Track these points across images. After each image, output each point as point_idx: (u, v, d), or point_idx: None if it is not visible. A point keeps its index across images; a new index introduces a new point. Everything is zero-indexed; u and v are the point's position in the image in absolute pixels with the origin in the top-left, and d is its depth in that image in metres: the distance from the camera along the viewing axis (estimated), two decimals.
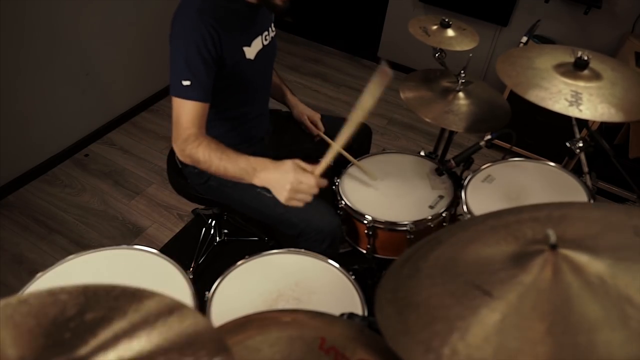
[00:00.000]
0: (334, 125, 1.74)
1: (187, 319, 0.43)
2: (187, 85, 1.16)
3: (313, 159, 1.79)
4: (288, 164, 1.12)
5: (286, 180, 1.09)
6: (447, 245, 0.64)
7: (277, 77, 1.67)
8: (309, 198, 1.12)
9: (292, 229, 1.39)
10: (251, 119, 1.49)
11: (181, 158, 1.21)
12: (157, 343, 0.40)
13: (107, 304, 0.43)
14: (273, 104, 1.63)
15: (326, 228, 1.35)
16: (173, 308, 0.44)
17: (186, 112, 1.18)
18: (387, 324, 0.52)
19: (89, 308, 0.42)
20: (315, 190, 1.11)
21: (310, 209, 1.36)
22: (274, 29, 1.44)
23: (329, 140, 1.60)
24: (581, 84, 1.11)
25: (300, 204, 1.12)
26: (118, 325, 0.40)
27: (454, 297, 0.52)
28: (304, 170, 1.11)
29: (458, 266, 0.58)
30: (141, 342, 0.40)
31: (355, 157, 1.59)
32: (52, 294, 0.43)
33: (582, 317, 0.45)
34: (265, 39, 1.37)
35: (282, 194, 1.11)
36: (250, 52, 1.31)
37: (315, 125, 1.64)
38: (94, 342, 0.39)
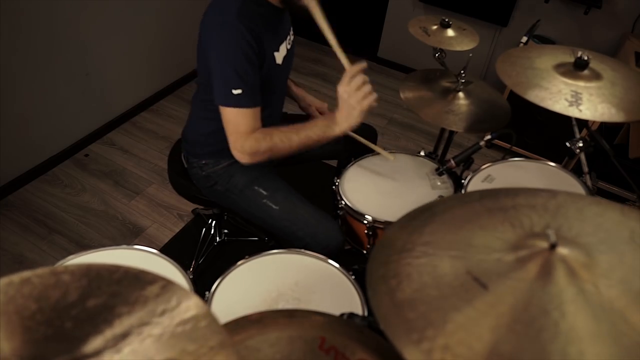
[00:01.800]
0: None
1: (187, 302, 0.43)
2: (239, 94, 1.17)
3: (319, 162, 1.79)
4: (340, 93, 1.19)
5: (351, 107, 1.17)
6: (442, 221, 0.63)
7: None
8: (369, 96, 1.18)
9: (297, 242, 1.39)
10: (267, 122, 1.49)
11: (252, 161, 1.25)
12: (158, 334, 0.40)
13: (109, 289, 0.42)
14: None
15: (331, 244, 1.36)
16: (174, 293, 0.43)
17: (244, 120, 1.20)
18: (379, 304, 0.51)
19: (91, 293, 0.41)
20: (368, 85, 1.17)
21: (315, 224, 1.37)
22: (292, 32, 1.44)
23: None
24: (581, 84, 1.11)
25: (372, 103, 1.18)
26: (119, 319, 0.40)
27: (449, 286, 0.51)
28: (344, 84, 1.17)
29: (453, 248, 0.57)
30: (142, 337, 0.39)
31: (357, 157, 1.59)
32: (55, 274, 0.42)
33: (573, 327, 0.45)
34: (289, 44, 1.38)
35: (359, 117, 1.19)
36: (279, 57, 1.32)
37: (323, 114, 1.64)
38: (95, 336, 0.38)
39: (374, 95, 1.17)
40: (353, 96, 1.15)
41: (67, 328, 0.38)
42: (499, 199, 0.64)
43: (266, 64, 1.25)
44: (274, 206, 1.39)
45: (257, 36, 1.17)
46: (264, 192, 1.40)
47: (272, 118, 1.49)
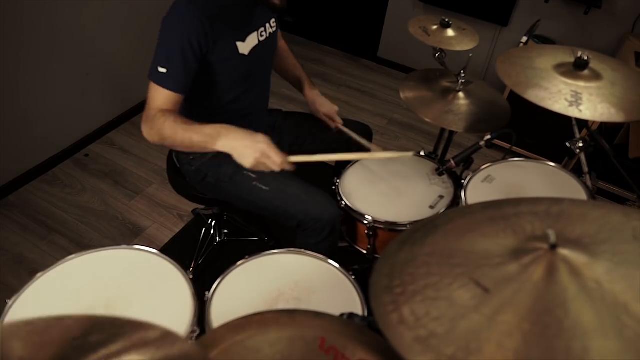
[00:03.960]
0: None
1: (186, 350, 0.43)
2: (162, 73, 1.19)
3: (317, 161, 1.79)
4: (262, 137, 1.16)
5: (256, 150, 1.13)
6: (444, 231, 0.63)
7: (299, 69, 1.66)
8: (269, 170, 1.16)
9: (290, 220, 1.39)
10: (250, 115, 1.49)
11: (148, 137, 1.22)
12: None
13: (112, 330, 0.43)
14: (273, 104, 1.63)
15: (325, 217, 1.35)
16: (175, 341, 0.44)
17: (158, 97, 1.20)
18: (381, 313, 0.52)
19: (94, 331, 0.42)
20: (277, 169, 1.16)
21: (306, 199, 1.37)
22: (273, 25, 1.43)
23: (348, 132, 1.58)
24: (581, 84, 1.11)
25: (264, 169, 1.17)
26: (121, 354, 0.41)
27: (450, 289, 0.52)
28: (275, 149, 1.15)
29: (455, 256, 0.57)
30: None
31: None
32: (59, 319, 0.43)
33: (576, 322, 0.45)
34: (262, 35, 1.37)
35: (247, 160, 1.15)
36: (245, 47, 1.31)
37: (333, 119, 1.61)
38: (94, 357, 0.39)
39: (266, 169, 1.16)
40: (262, 155, 1.14)
41: (69, 354, 0.39)
42: (501, 209, 0.64)
43: (221, 53, 1.25)
44: (264, 187, 1.39)
45: (205, 24, 1.18)
46: (253, 175, 1.40)
47: (250, 111, 1.47)
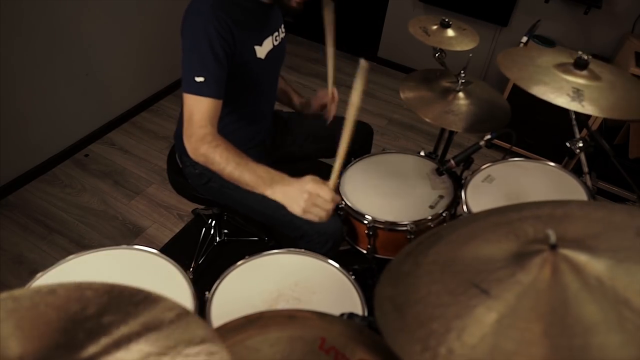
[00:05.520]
0: (338, 124, 1.73)
1: (199, 332, 0.43)
2: (200, 82, 1.14)
3: (314, 159, 1.79)
4: (309, 178, 1.09)
5: (304, 191, 1.07)
6: (448, 241, 0.64)
7: (282, 81, 1.66)
8: (323, 214, 1.08)
9: (295, 231, 1.39)
10: (256, 120, 1.49)
11: (193, 156, 1.17)
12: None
13: (127, 309, 0.43)
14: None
15: (329, 230, 1.36)
16: (189, 323, 0.43)
17: (200, 108, 1.15)
18: (385, 321, 0.52)
19: (109, 310, 0.42)
20: (331, 205, 1.07)
21: None
22: (283, 30, 1.44)
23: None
24: (582, 81, 1.11)
25: (315, 219, 1.08)
26: (130, 340, 0.41)
27: (452, 295, 0.52)
28: (322, 184, 1.08)
29: (457, 263, 0.57)
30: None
31: (356, 157, 1.59)
32: (79, 289, 0.44)
33: (579, 319, 0.45)
34: (276, 40, 1.38)
35: (298, 205, 1.08)
36: (261, 51, 1.31)
37: (328, 103, 1.59)
38: (104, 357, 0.39)
39: (317, 217, 1.08)
40: (310, 198, 1.06)
41: (79, 338, 0.39)
42: (504, 215, 0.64)
43: (242, 57, 1.25)
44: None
45: (231, 27, 1.16)
46: None
47: (257, 116, 1.48)
